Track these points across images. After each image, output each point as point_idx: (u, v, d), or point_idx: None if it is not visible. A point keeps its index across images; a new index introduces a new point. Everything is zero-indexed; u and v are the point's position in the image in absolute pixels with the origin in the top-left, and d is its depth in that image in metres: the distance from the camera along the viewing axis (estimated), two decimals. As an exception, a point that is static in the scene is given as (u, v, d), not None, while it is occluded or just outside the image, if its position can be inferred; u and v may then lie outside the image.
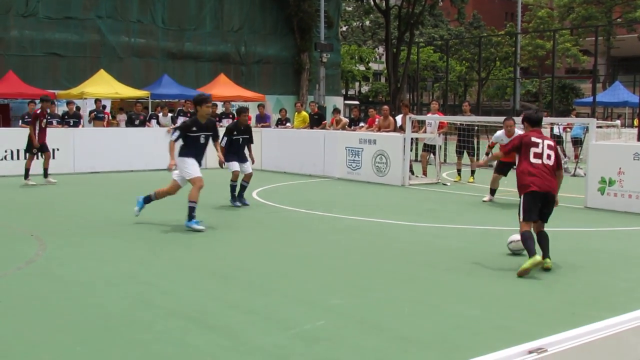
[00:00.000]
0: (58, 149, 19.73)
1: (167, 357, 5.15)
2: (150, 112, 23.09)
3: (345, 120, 22.05)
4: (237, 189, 13.64)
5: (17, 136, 19.53)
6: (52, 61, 32.69)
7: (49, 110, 18.15)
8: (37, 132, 16.86)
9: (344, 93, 64.68)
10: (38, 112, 17.17)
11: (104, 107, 24.87)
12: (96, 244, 9.54)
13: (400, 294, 6.99)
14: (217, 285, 7.35)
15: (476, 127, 19.34)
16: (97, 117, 23.50)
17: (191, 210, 10.81)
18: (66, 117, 21.62)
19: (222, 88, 32.58)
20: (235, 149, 13.70)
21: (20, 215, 12.22)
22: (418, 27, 59.41)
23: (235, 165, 13.55)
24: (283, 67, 40.90)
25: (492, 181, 14.59)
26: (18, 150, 19.15)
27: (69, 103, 22.69)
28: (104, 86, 28.66)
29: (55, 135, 19.98)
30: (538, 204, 8.16)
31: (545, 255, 8.08)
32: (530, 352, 2.22)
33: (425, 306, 6.57)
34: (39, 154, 17.41)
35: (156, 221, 11.64)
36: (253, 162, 14.02)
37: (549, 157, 8.32)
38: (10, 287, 7.21)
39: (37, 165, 17.51)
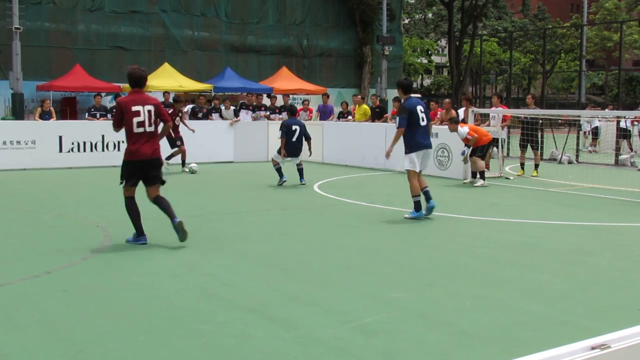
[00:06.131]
0: (123, 142, 20.01)
1: (228, 348, 5.21)
2: (211, 105, 23.33)
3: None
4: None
5: (84, 128, 19.95)
6: (118, 55, 33.26)
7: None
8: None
9: (406, 86, 64.26)
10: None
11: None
12: (159, 235, 9.67)
13: (462, 289, 6.93)
14: (278, 277, 7.39)
15: (540, 121, 19.05)
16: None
17: None
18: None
19: (284, 81, 32.74)
20: None
21: (86, 207, 12.47)
22: (481, 19, 58.85)
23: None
24: (345, 60, 40.89)
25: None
26: (84, 143, 19.55)
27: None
28: (168, 79, 29.05)
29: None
30: None
31: None
32: (593, 348, 2.18)
33: (487, 301, 6.50)
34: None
35: (219, 213, 11.77)
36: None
37: None
38: (76, 276, 7.36)
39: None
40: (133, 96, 8.90)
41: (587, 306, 6.42)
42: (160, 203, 9.00)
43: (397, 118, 11.60)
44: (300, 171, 15.82)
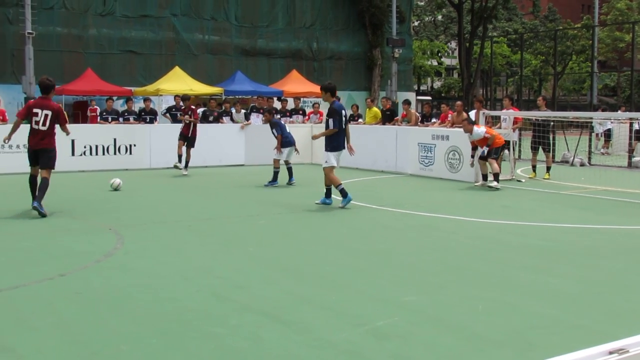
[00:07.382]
0: (135, 145, 20.15)
1: (241, 351, 5.21)
2: (222, 109, 23.35)
3: (417, 115, 21.73)
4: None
5: (96, 132, 20.01)
6: (129, 59, 33.42)
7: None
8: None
9: (416, 88, 64.37)
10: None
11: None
12: (171, 238, 9.70)
13: (475, 292, 6.91)
14: (290, 281, 7.39)
15: (552, 123, 19.00)
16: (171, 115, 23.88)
17: None
18: (142, 113, 22.00)
19: (295, 84, 32.78)
20: None
21: (99, 210, 12.50)
22: (491, 21, 58.73)
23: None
24: (355, 62, 40.91)
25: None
26: (97, 146, 19.61)
27: (145, 100, 23.09)
28: (178, 83, 29.15)
29: (131, 132, 20.41)
30: None
31: None
32: (611, 352, 2.17)
33: (500, 304, 6.48)
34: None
35: (230, 216, 11.78)
36: None
37: None
38: (89, 279, 7.39)
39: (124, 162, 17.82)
40: (38, 101, 11.81)
41: (601, 310, 6.39)
42: (42, 183, 11.60)
43: (330, 119, 12.74)
44: (290, 170, 16.61)
